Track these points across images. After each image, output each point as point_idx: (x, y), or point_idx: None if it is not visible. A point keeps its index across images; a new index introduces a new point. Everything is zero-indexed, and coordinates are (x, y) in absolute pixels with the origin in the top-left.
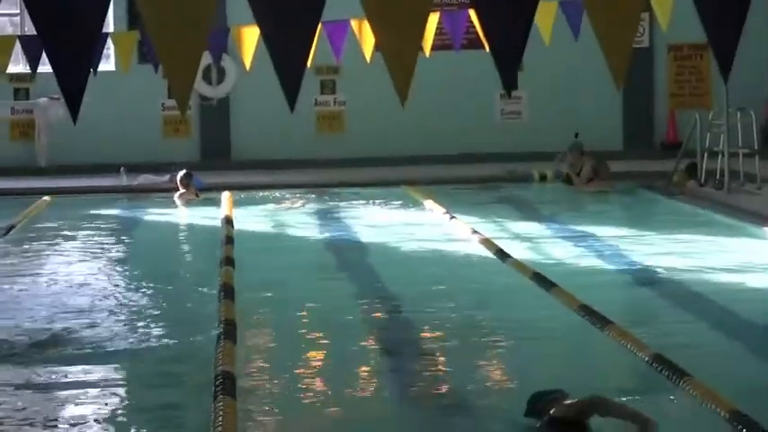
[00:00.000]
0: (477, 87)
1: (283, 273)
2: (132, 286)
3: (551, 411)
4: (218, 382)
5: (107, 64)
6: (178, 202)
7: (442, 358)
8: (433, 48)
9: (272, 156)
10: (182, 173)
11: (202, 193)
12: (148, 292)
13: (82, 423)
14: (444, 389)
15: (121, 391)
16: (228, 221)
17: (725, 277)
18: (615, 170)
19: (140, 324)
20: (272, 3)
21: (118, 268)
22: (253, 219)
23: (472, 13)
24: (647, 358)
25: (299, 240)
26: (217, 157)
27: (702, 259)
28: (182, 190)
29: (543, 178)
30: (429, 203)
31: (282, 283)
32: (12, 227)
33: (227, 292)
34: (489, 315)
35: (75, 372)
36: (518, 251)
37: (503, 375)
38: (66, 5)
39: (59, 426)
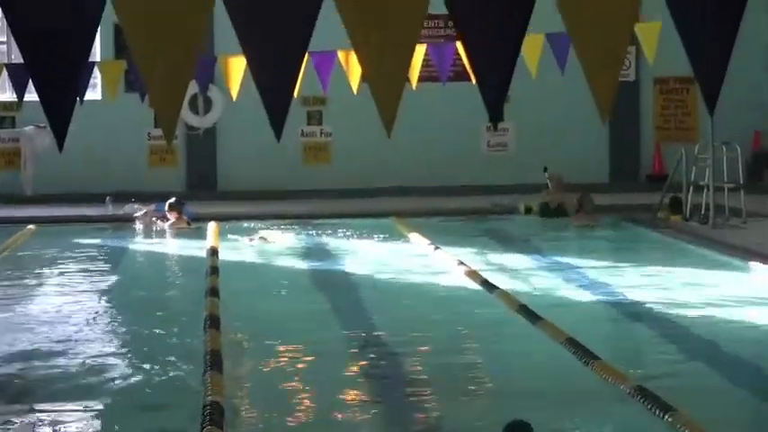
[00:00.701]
0: (463, 119)
1: (268, 304)
2: (117, 316)
3: None
4: (205, 413)
5: (94, 93)
6: (168, 231)
7: (427, 389)
8: (420, 80)
9: (258, 186)
10: (170, 201)
11: (190, 223)
12: (133, 323)
13: None
14: (428, 420)
15: (106, 423)
16: (214, 252)
17: (710, 311)
18: (600, 203)
19: (125, 355)
20: (259, 33)
21: (102, 298)
22: (238, 250)
23: (459, 45)
24: (630, 391)
25: (284, 271)
26: (203, 188)
27: (688, 293)
28: (171, 218)
29: (529, 211)
30: (414, 235)
31: (267, 314)
32: None
33: (213, 322)
34: (475, 347)
35: (55, 403)
36: (504, 283)
37: (487, 409)
38: (52, 34)
39: None
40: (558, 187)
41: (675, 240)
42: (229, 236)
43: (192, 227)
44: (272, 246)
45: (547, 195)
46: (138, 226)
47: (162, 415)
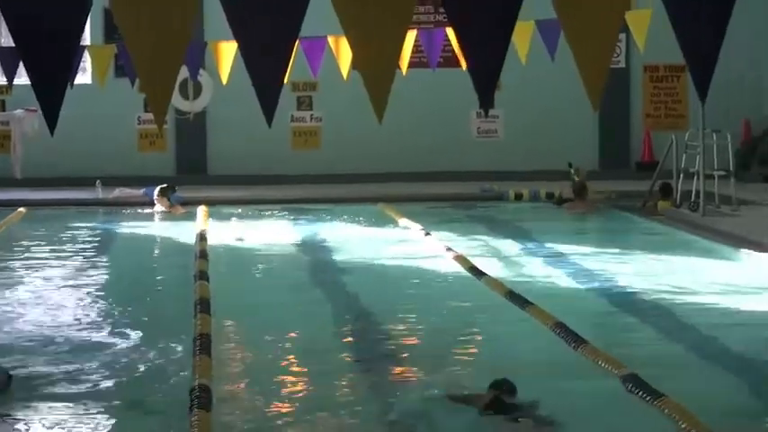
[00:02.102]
0: (453, 105)
1: (257, 288)
2: (106, 300)
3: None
4: (193, 396)
5: (83, 77)
6: (159, 214)
7: (414, 370)
8: (410, 65)
9: (247, 171)
10: (159, 187)
11: (180, 207)
12: (122, 306)
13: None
14: (415, 399)
15: (92, 409)
16: (203, 236)
17: (700, 298)
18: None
19: (114, 338)
20: (250, 18)
21: (92, 282)
22: (227, 234)
23: (449, 31)
24: (621, 377)
25: (273, 256)
26: (192, 172)
27: (677, 280)
28: (159, 206)
29: (518, 197)
30: (404, 221)
31: (255, 298)
32: None
33: (203, 305)
34: (464, 332)
35: (44, 384)
36: (492, 269)
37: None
38: (43, 18)
39: None
40: (582, 179)
41: (666, 227)
42: (218, 220)
43: (184, 212)
44: (256, 233)
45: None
46: (158, 207)
47: (150, 399)
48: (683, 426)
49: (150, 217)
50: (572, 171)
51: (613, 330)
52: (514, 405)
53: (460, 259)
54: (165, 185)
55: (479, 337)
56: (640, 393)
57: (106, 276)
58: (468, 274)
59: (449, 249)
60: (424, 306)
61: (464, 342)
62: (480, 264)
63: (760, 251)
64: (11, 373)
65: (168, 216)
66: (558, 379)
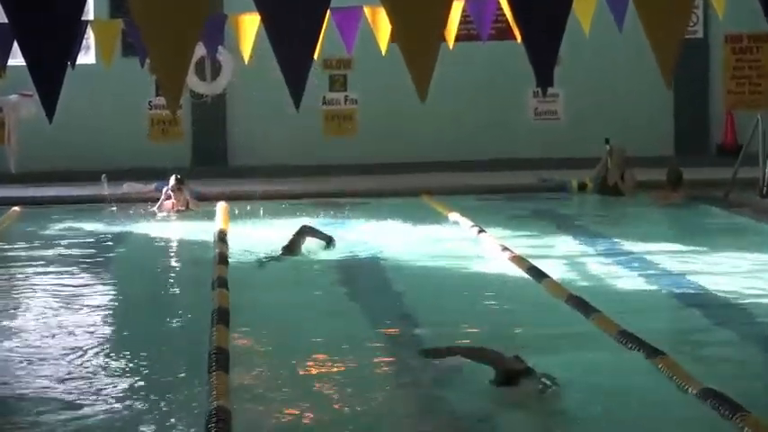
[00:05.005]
0: (507, 84)
1: (286, 297)
2: (114, 310)
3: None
4: (211, 420)
5: (87, 57)
6: (163, 212)
7: (467, 389)
8: (457, 39)
9: (273, 161)
10: (172, 179)
11: (199, 203)
12: (131, 317)
13: None
14: (466, 419)
15: (101, 425)
16: (223, 237)
17: None
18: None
19: (123, 353)
20: None
21: (97, 290)
22: (251, 234)
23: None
24: (696, 392)
25: (303, 259)
26: (211, 164)
27: (765, 282)
28: (172, 199)
29: (583, 187)
30: (453, 216)
31: (285, 308)
32: None
33: (221, 316)
34: (521, 343)
35: (46, 399)
36: (554, 271)
37: (533, 413)
38: None
39: None
40: (619, 164)
41: (751, 221)
42: (240, 219)
43: (198, 209)
44: (279, 225)
45: (602, 170)
46: (162, 212)
47: (163, 420)
48: None
49: (163, 216)
50: (608, 148)
51: (690, 341)
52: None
53: (517, 260)
54: (179, 176)
55: (538, 349)
56: (725, 413)
57: (113, 284)
58: (527, 277)
59: (504, 249)
60: (476, 313)
61: (521, 354)
62: (540, 265)
63: None
64: None
65: (183, 214)
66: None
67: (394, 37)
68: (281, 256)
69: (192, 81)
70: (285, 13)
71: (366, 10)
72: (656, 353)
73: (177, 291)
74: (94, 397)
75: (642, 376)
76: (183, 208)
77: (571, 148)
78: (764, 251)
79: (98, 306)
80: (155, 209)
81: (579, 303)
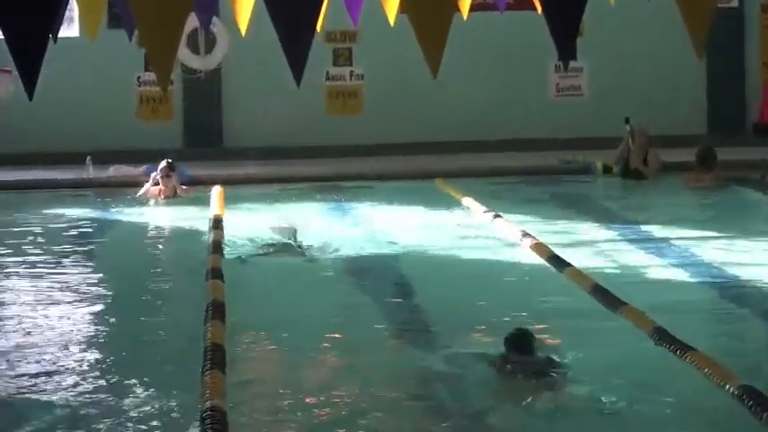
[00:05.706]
0: (526, 57)
1: (285, 288)
2: (101, 302)
3: None
4: (206, 421)
5: (70, 29)
6: (152, 197)
7: (484, 387)
8: (472, 8)
9: (272, 142)
10: (162, 163)
11: (191, 189)
12: (119, 310)
13: None
14: (483, 419)
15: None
16: (218, 224)
17: None
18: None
19: (108, 348)
20: None
21: (82, 281)
22: (248, 220)
23: None
24: (734, 391)
25: (305, 249)
26: (205, 145)
27: None
28: (160, 185)
29: (607, 170)
30: (467, 201)
31: (284, 300)
32: None
33: (216, 310)
34: (542, 336)
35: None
36: (577, 259)
37: (556, 411)
38: None
39: None
40: (642, 144)
41: None
42: (236, 204)
43: (189, 194)
44: (278, 211)
45: (625, 152)
46: (151, 198)
47: (155, 420)
48: None
49: (152, 201)
50: (629, 128)
51: (726, 335)
52: None
53: (538, 247)
54: (169, 160)
55: (563, 346)
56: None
57: (98, 276)
58: (548, 266)
59: (525, 235)
60: (494, 305)
61: (541, 349)
62: (563, 253)
63: None
64: None
65: (174, 199)
66: (659, 394)
67: (403, 6)
68: (280, 244)
69: (184, 55)
70: None
71: None
72: (687, 348)
73: (168, 281)
74: (75, 395)
75: (672, 373)
76: (171, 195)
77: (595, 128)
78: None
79: (81, 300)
80: (138, 195)
81: (605, 294)
